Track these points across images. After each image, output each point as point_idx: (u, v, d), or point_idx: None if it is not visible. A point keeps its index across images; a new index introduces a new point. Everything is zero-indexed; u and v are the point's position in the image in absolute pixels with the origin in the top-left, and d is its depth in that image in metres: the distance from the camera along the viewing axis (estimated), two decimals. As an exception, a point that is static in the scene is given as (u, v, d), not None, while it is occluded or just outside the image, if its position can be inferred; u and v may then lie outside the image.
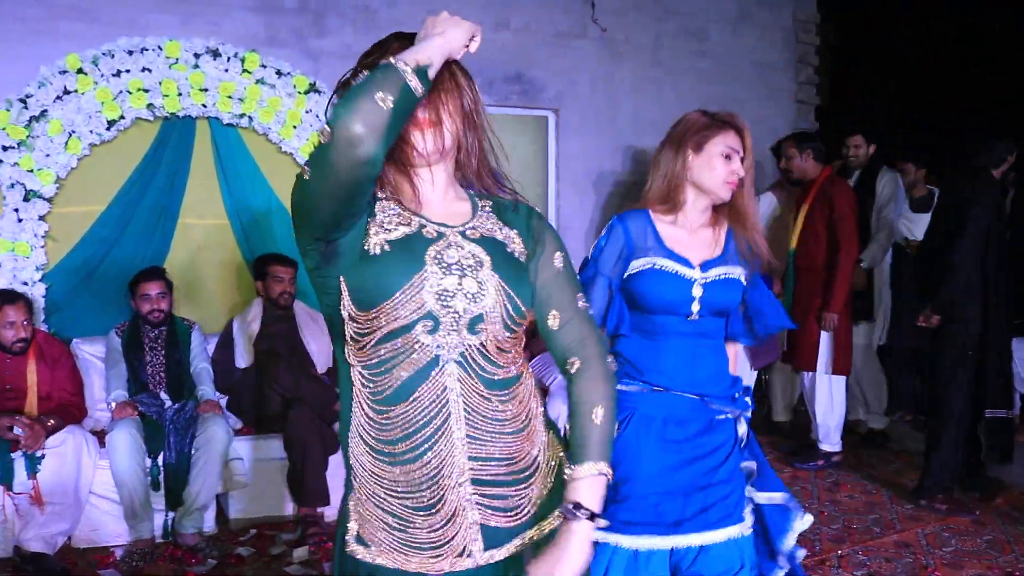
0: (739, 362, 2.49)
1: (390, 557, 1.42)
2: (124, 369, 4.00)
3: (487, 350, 1.38)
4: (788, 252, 4.78)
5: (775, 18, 6.74)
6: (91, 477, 3.66)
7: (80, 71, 4.23)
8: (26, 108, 4.15)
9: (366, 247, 1.34)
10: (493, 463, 1.40)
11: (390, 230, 1.37)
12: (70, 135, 4.22)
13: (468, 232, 1.42)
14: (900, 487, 4.47)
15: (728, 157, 2.18)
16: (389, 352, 1.35)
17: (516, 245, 1.47)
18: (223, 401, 4.19)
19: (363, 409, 1.38)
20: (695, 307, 2.14)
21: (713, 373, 2.20)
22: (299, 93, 4.60)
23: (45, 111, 4.18)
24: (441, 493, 1.38)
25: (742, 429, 2.25)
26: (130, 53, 4.32)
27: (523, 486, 1.44)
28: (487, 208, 1.50)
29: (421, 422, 1.35)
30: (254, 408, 4.16)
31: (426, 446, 1.36)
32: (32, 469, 3.49)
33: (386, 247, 1.34)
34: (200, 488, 3.71)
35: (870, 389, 5.31)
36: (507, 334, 1.40)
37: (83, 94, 4.23)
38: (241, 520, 3.98)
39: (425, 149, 1.38)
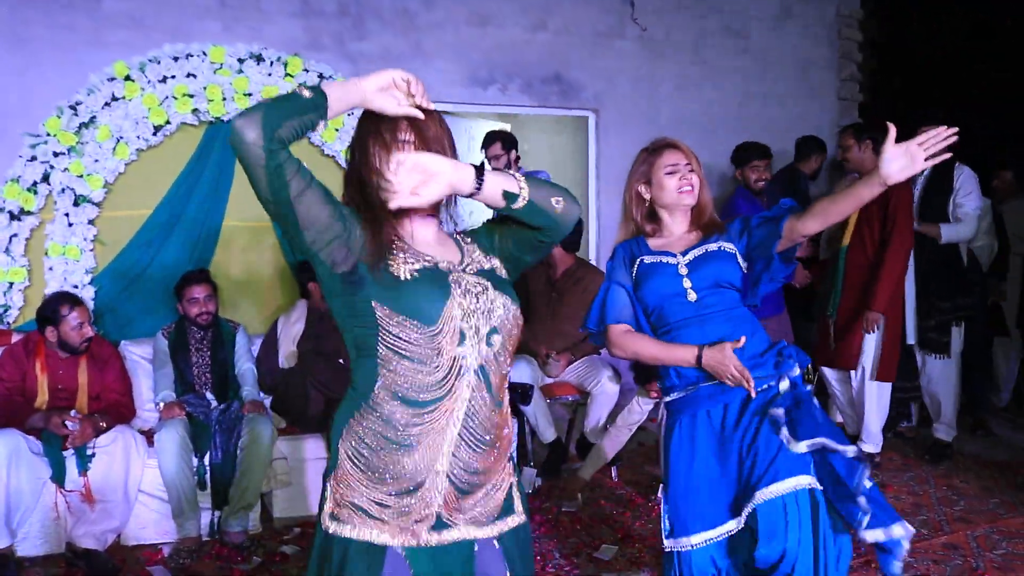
0: None
1: (361, 532, 1.62)
2: (171, 370, 4.07)
3: (498, 358, 1.64)
4: (840, 248, 4.62)
5: (817, 15, 6.66)
6: (140, 476, 3.73)
7: (127, 78, 4.32)
8: (76, 115, 4.24)
9: (396, 274, 1.58)
10: (468, 471, 1.63)
11: (411, 263, 1.61)
12: (118, 141, 4.31)
13: (467, 269, 1.68)
14: (951, 488, 4.39)
15: (672, 172, 2.48)
16: (421, 360, 1.57)
17: (501, 268, 1.75)
18: (267, 401, 4.24)
19: (386, 402, 1.58)
20: (687, 284, 2.42)
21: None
22: (340, 96, 4.64)
23: (94, 117, 4.27)
24: (421, 480, 1.60)
25: (783, 385, 2.38)
26: (175, 59, 4.41)
27: (483, 496, 1.68)
28: (468, 242, 1.78)
29: (433, 416, 1.58)
30: (297, 408, 4.20)
31: (425, 436, 1.59)
32: (83, 467, 3.58)
33: (415, 274, 1.59)
34: (245, 487, 3.77)
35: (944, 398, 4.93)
36: (511, 342, 1.67)
37: (130, 100, 4.32)
38: (285, 519, 4.02)
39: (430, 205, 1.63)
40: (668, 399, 2.49)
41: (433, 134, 1.65)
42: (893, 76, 8.39)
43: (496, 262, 1.76)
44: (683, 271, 2.43)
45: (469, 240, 1.80)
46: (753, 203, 4.93)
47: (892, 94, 8.23)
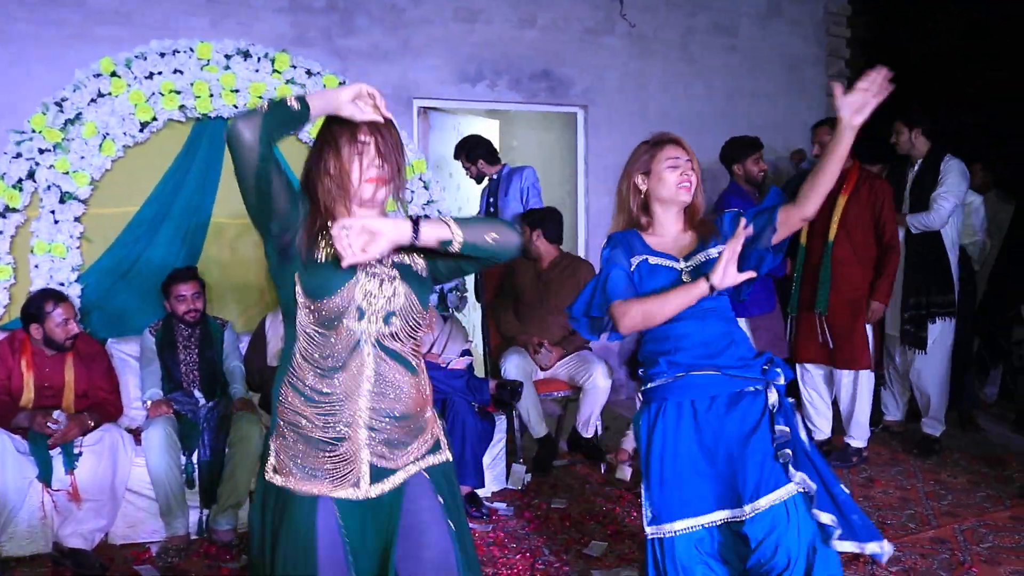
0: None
1: (298, 483, 1.87)
2: (158, 368, 4.05)
3: (397, 336, 1.91)
4: (826, 243, 4.57)
5: (806, 12, 6.68)
6: (127, 474, 3.71)
7: (114, 74, 4.29)
8: (61, 111, 4.21)
9: (317, 255, 1.86)
10: (387, 419, 1.89)
11: (332, 247, 1.84)
12: (104, 137, 4.28)
13: (384, 261, 1.92)
14: (938, 483, 4.41)
15: (673, 167, 2.50)
16: (327, 329, 1.86)
17: (421, 267, 1.97)
18: (256, 399, 4.22)
19: (301, 365, 1.88)
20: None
21: (726, 346, 2.45)
22: (328, 93, 4.63)
23: (80, 114, 4.24)
24: (345, 431, 1.86)
25: (772, 397, 2.43)
26: (162, 55, 4.38)
27: (407, 444, 1.93)
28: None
29: (342, 378, 1.87)
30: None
31: (341, 395, 1.86)
32: (70, 466, 3.55)
33: (331, 256, 1.85)
34: (234, 485, 3.75)
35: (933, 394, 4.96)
36: (410, 326, 1.93)
37: (117, 96, 4.29)
38: (274, 517, 4.01)
39: (373, 199, 1.91)
40: (652, 385, 2.51)
41: (393, 140, 1.90)
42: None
43: (419, 261, 1.97)
44: (686, 278, 2.45)
45: None
46: (746, 200, 4.91)
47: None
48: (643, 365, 2.57)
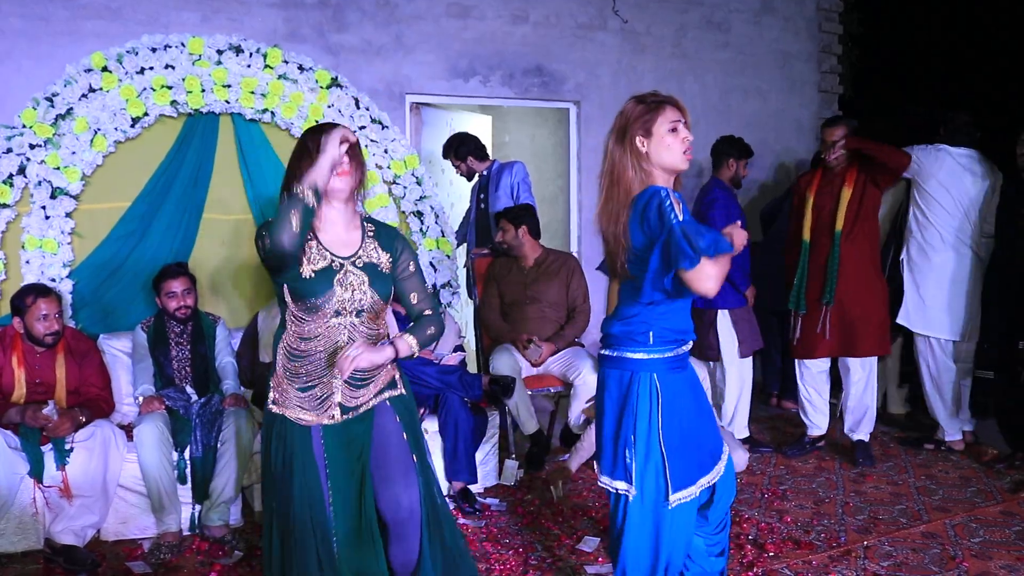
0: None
1: (292, 413, 2.50)
2: (150, 364, 4.04)
3: (365, 323, 2.52)
4: (834, 236, 4.58)
5: (798, 8, 6.69)
6: (119, 470, 3.70)
7: (105, 69, 4.27)
8: (52, 106, 4.19)
9: (302, 273, 2.42)
10: (358, 372, 2.48)
11: (313, 263, 2.44)
12: (95, 133, 4.26)
13: (356, 261, 2.50)
14: (930, 478, 4.43)
15: (674, 130, 2.38)
16: (310, 320, 2.46)
17: (384, 263, 2.55)
18: (248, 395, 4.22)
19: (291, 336, 2.50)
20: None
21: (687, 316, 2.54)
22: (321, 88, 4.62)
23: (71, 109, 4.22)
24: (324, 379, 2.49)
25: None
26: (153, 51, 4.36)
27: (367, 385, 2.54)
28: (371, 234, 2.58)
29: (320, 343, 2.47)
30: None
31: (319, 355, 2.47)
32: (61, 462, 3.54)
33: (313, 274, 2.43)
34: (226, 481, 3.75)
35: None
36: (375, 314, 2.54)
37: (108, 92, 4.27)
38: (267, 513, 4.01)
39: (344, 188, 2.47)
40: (657, 356, 2.42)
41: (360, 157, 2.51)
42: (873, 69, 8.44)
43: (384, 259, 2.55)
44: None
45: (373, 232, 2.59)
46: (729, 196, 4.94)
47: (872, 87, 8.28)
48: (640, 338, 2.43)
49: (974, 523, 3.82)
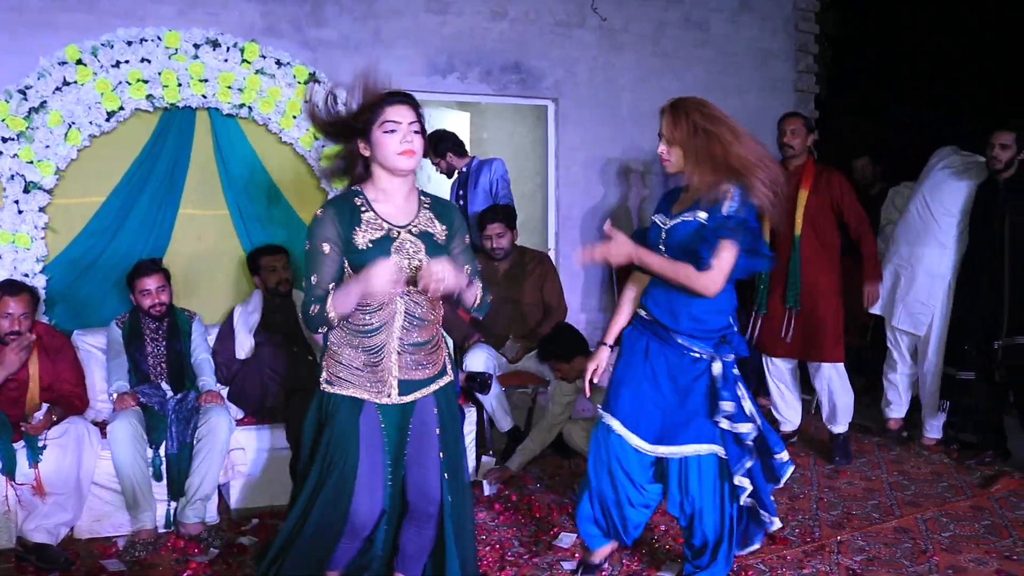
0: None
1: (347, 390, 2.50)
2: (125, 360, 4.00)
3: (421, 301, 2.52)
4: (793, 239, 4.58)
5: (775, 7, 6.73)
6: (93, 468, 3.66)
7: (79, 62, 4.22)
8: (25, 99, 4.14)
9: (357, 243, 2.44)
10: (411, 346, 2.52)
11: (369, 234, 2.45)
12: (70, 126, 4.22)
13: (412, 229, 2.51)
14: (902, 473, 4.48)
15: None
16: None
17: (440, 233, 2.55)
18: (224, 391, 4.20)
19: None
20: (662, 247, 2.88)
21: (684, 310, 2.85)
22: (299, 83, 4.59)
23: (45, 102, 4.17)
24: (381, 355, 2.50)
25: (716, 369, 2.86)
26: (129, 44, 4.31)
27: (424, 365, 2.56)
28: (426, 205, 2.58)
29: (378, 319, 2.48)
30: (255, 398, 4.17)
31: (378, 327, 2.48)
32: (34, 459, 3.50)
33: (369, 244, 2.44)
34: (202, 478, 3.72)
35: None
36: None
37: (82, 85, 4.22)
38: (243, 510, 3.99)
39: (407, 167, 2.46)
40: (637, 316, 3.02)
41: (424, 127, 2.54)
42: (851, 69, 8.51)
43: (440, 230, 2.56)
44: (663, 235, 2.96)
45: (428, 203, 2.59)
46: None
47: (850, 87, 8.35)
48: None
49: (945, 518, 3.87)
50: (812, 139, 4.76)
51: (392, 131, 2.40)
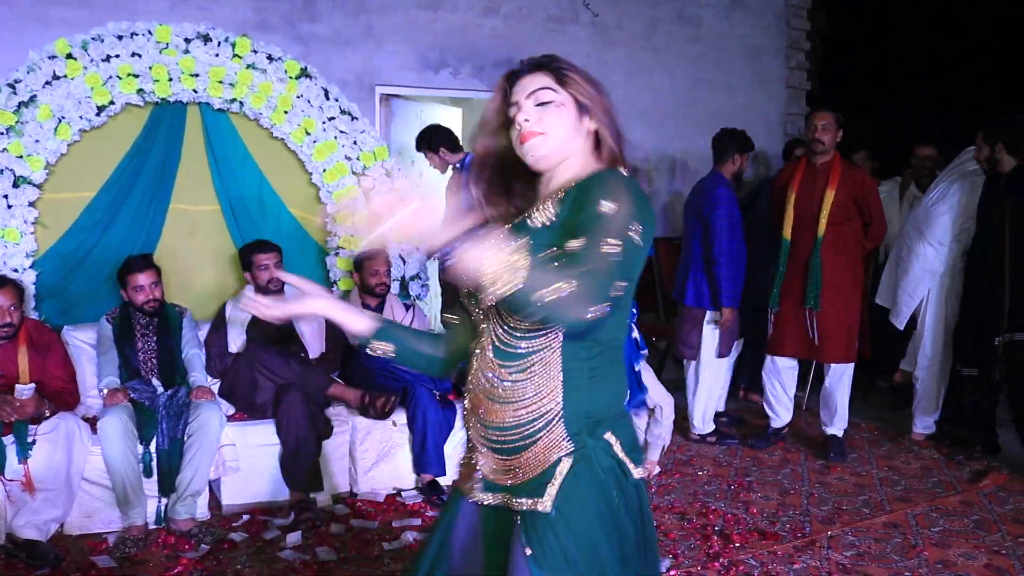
0: None
1: (457, 481, 1.80)
2: (116, 356, 3.98)
3: (511, 333, 1.68)
4: (816, 238, 4.53)
5: (767, 3, 6.74)
6: (83, 463, 3.65)
7: (69, 56, 4.20)
8: (15, 93, 4.12)
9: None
10: (488, 427, 1.67)
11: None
12: (60, 121, 4.20)
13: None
14: (892, 469, 4.50)
15: None
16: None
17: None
18: (215, 387, 4.18)
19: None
20: None
21: None
22: (290, 78, 4.57)
23: (34, 96, 4.15)
24: (471, 429, 1.73)
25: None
26: (120, 38, 4.29)
27: (515, 468, 1.66)
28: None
29: (472, 383, 1.72)
30: (246, 394, 4.16)
31: (471, 392, 1.72)
32: (23, 455, 3.48)
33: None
34: (193, 474, 3.71)
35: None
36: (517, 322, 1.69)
37: (73, 79, 4.20)
38: (234, 506, 3.98)
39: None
40: None
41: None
42: (841, 66, 8.52)
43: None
44: None
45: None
46: (734, 197, 4.83)
47: (840, 84, 8.37)
48: None
49: (934, 513, 3.89)
50: (841, 135, 4.62)
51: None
